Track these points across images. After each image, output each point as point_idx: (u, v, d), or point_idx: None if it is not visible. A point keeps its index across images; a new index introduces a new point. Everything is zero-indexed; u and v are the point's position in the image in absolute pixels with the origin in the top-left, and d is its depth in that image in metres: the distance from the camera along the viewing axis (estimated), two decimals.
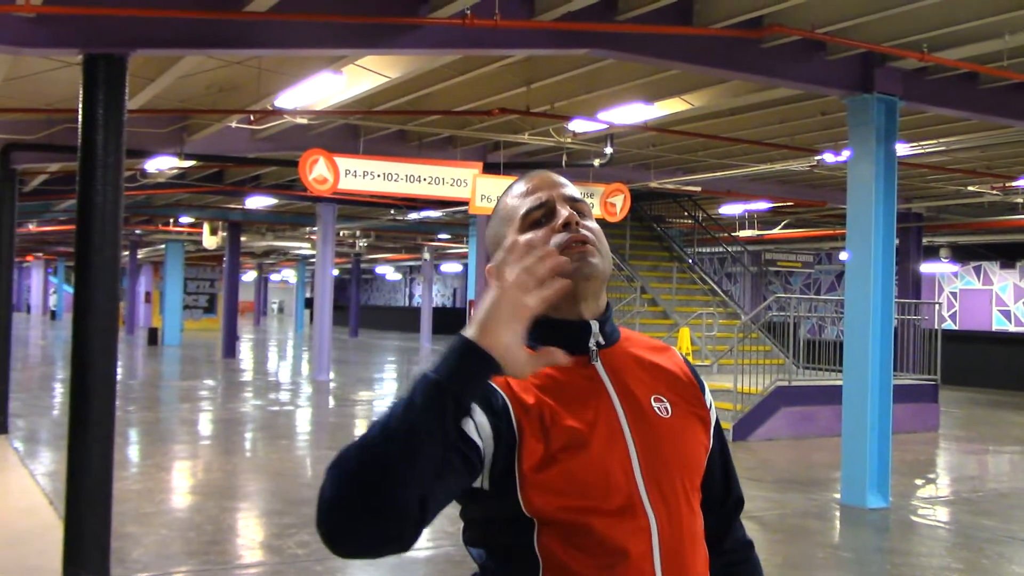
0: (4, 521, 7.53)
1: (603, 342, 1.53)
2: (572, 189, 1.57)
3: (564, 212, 1.50)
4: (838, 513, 8.72)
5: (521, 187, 1.57)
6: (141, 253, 35.91)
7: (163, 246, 32.09)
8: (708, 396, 1.64)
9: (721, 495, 1.66)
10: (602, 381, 1.50)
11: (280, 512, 7.91)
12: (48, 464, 9.76)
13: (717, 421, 1.65)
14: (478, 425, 1.35)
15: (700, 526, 1.55)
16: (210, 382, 19.68)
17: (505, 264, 1.26)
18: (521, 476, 1.39)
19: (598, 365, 1.51)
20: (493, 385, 1.41)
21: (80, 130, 6.14)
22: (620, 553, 1.41)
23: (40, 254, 47.46)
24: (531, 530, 1.41)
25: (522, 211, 1.53)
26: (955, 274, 24.45)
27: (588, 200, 1.70)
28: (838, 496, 9.01)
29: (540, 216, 1.51)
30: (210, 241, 24.86)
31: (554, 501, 1.39)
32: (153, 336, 30.65)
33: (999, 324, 23.77)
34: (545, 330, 1.45)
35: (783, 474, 10.56)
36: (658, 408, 1.52)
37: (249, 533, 7.59)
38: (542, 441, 1.40)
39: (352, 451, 1.23)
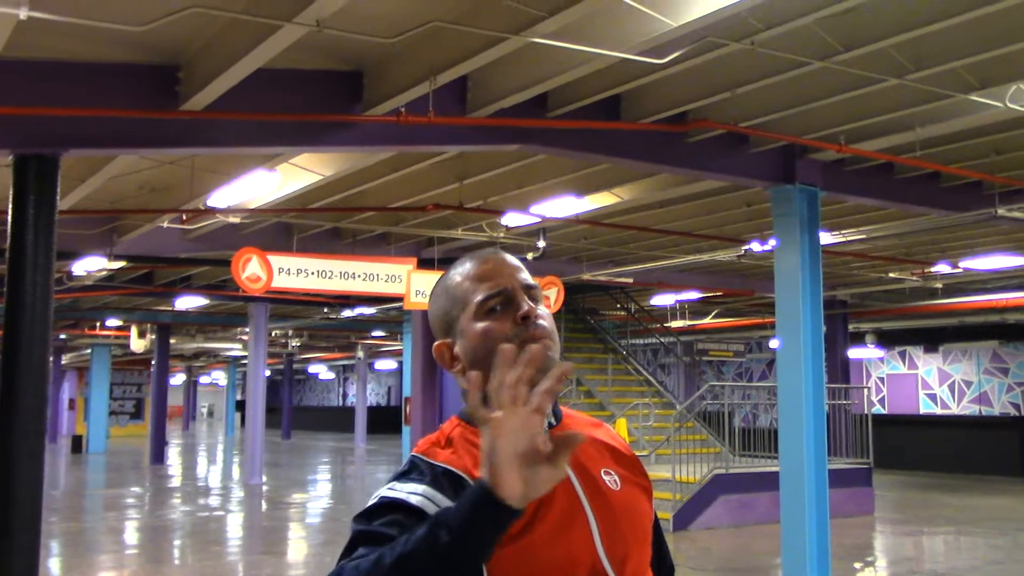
0: None
1: (554, 422, 1.56)
2: (525, 273, 1.56)
3: (524, 306, 1.49)
4: None
5: (474, 268, 1.55)
6: (65, 358, 35.01)
7: (88, 350, 31.32)
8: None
9: (656, 563, 1.67)
10: None
11: None
12: None
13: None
14: None
15: None
16: (137, 489, 19.06)
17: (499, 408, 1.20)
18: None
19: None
20: (457, 471, 1.43)
21: (10, 230, 6.07)
22: None
23: None
24: None
25: (478, 298, 1.51)
26: (882, 359, 25.00)
27: None
28: None
29: (496, 304, 1.51)
30: (138, 344, 24.38)
31: None
32: (77, 444, 29.67)
33: (926, 407, 24.27)
34: None
35: (724, 562, 10.53)
36: (609, 481, 1.54)
37: None
38: None
39: None
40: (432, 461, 1.46)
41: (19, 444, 6.04)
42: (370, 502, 1.42)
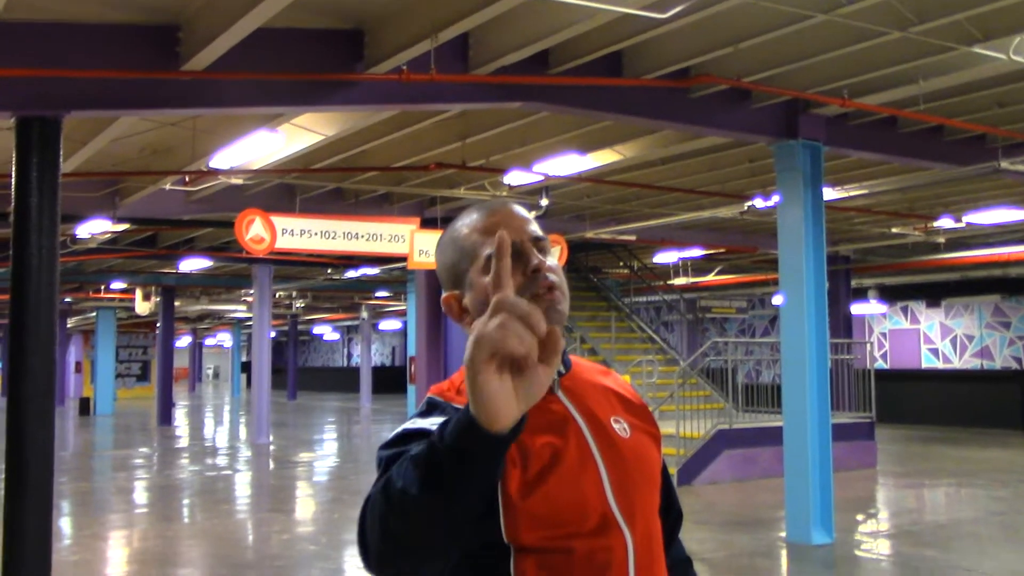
0: None
1: (563, 371, 1.58)
2: (534, 225, 1.56)
3: (534, 259, 1.50)
4: (784, 551, 8.81)
5: (482, 220, 1.55)
6: (71, 322, 35.14)
7: (94, 314, 31.44)
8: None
9: (664, 509, 1.70)
10: (567, 408, 1.54)
11: None
12: None
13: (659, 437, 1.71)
14: None
15: (661, 539, 1.61)
16: (145, 450, 19.24)
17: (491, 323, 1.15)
18: (506, 503, 1.41)
19: (560, 394, 1.55)
20: None
21: (14, 193, 6.08)
22: (597, 569, 1.45)
23: None
24: (507, 556, 1.42)
25: (487, 251, 1.51)
26: (884, 315, 25.06)
27: None
28: (783, 534, 9.10)
29: None
30: (143, 307, 24.44)
31: (536, 528, 1.41)
32: (85, 406, 29.87)
33: (928, 362, 24.36)
34: None
35: (729, 516, 10.64)
36: (618, 429, 1.57)
37: None
38: (520, 468, 1.43)
39: (378, 521, 1.28)
40: (451, 403, 1.49)
41: (29, 406, 6.11)
42: (391, 436, 1.45)
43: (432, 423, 1.42)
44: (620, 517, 1.48)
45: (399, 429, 1.45)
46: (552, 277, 1.50)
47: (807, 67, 7.88)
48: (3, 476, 6.21)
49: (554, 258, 1.56)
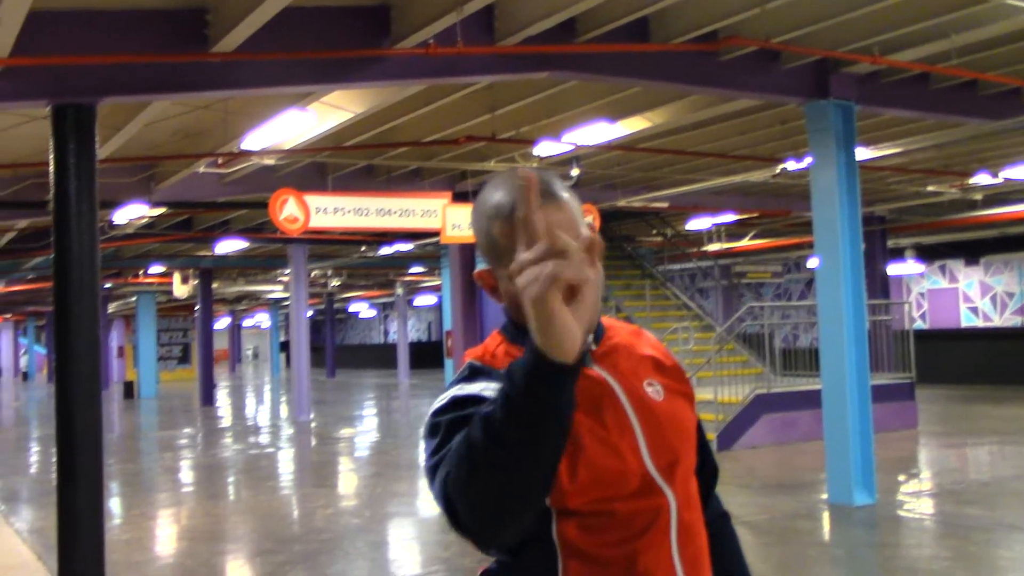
0: None
1: (595, 346, 1.58)
2: (569, 229, 1.45)
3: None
4: (826, 512, 8.81)
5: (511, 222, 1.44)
6: (112, 307, 35.63)
7: (134, 298, 31.88)
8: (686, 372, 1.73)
9: (699, 465, 1.72)
10: (602, 375, 1.55)
11: (272, 551, 7.88)
12: (32, 521, 9.66)
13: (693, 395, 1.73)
14: None
15: (699, 497, 1.64)
16: (189, 430, 19.54)
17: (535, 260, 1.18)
18: None
19: (594, 365, 1.56)
20: None
21: (52, 181, 6.17)
22: (640, 530, 1.49)
23: (9, 315, 46.92)
24: (548, 520, 1.45)
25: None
26: (922, 274, 24.79)
27: None
28: (825, 496, 9.10)
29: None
30: (181, 290, 24.74)
31: (579, 493, 1.44)
32: (129, 389, 30.36)
33: (968, 321, 24.09)
34: None
35: (769, 479, 10.65)
36: (652, 392, 1.59)
37: (243, 573, 7.56)
38: None
39: (465, 484, 1.29)
40: (492, 367, 1.51)
41: (76, 390, 6.24)
42: (441, 402, 1.46)
43: (481, 388, 1.44)
44: (659, 479, 1.51)
45: (448, 395, 1.46)
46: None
47: (836, 25, 7.78)
48: (55, 459, 6.36)
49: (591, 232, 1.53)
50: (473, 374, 1.51)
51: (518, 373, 1.23)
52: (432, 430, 1.42)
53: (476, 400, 1.41)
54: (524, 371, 1.22)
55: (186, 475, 13.35)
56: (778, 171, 13.07)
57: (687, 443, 1.61)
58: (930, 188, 16.01)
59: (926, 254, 23.36)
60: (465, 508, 1.30)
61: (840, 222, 8.83)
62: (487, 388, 1.43)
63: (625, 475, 1.48)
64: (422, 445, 1.49)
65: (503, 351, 1.55)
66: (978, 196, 16.75)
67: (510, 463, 1.25)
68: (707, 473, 1.78)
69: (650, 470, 1.50)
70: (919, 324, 24.39)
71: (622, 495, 1.47)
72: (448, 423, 1.39)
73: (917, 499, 9.69)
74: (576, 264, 1.19)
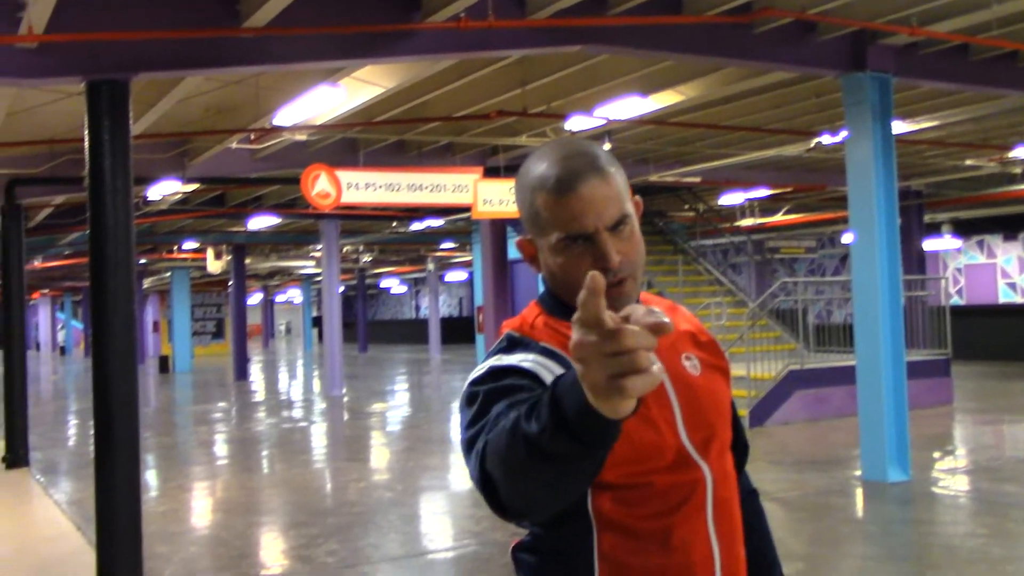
0: (34, 549, 7.60)
1: None
2: (615, 204, 1.45)
3: (607, 258, 1.43)
4: (860, 489, 8.76)
5: (557, 197, 1.44)
6: (147, 282, 36.05)
7: (168, 274, 32.21)
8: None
9: (731, 440, 1.71)
10: None
11: (305, 523, 7.96)
12: (71, 493, 9.82)
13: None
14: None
15: (735, 472, 1.63)
16: (224, 404, 19.75)
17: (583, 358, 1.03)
18: None
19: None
20: (556, 349, 1.45)
21: (87, 157, 6.22)
22: (675, 504, 1.48)
23: (46, 291, 47.59)
24: (584, 493, 1.45)
25: (558, 235, 1.45)
26: (959, 250, 24.47)
27: None
28: (858, 473, 9.04)
29: (580, 240, 1.45)
30: (215, 265, 24.96)
31: (615, 466, 1.41)
32: (164, 364, 30.74)
33: (1006, 296, 23.77)
34: None
35: (802, 455, 10.60)
36: (689, 367, 1.58)
37: (277, 545, 7.64)
38: None
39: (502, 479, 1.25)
40: (531, 338, 1.50)
41: (113, 364, 6.30)
42: (479, 372, 1.44)
43: (520, 359, 1.43)
44: (695, 453, 1.51)
45: (486, 366, 1.45)
46: (623, 275, 1.46)
47: None
48: (93, 432, 6.44)
49: (633, 233, 1.49)
50: (511, 345, 1.50)
51: (573, 408, 1.10)
52: (469, 399, 1.41)
53: (514, 371, 1.40)
54: (578, 412, 1.09)
55: (221, 448, 13.51)
56: (813, 145, 12.93)
57: (723, 418, 1.61)
58: (968, 162, 15.77)
59: (963, 229, 23.05)
60: (508, 489, 1.26)
61: (876, 197, 8.72)
62: (525, 359, 1.43)
63: (661, 449, 1.47)
64: (458, 416, 1.49)
65: (542, 322, 1.55)
66: (1017, 170, 16.47)
67: (549, 478, 1.20)
68: (738, 450, 1.76)
69: (686, 444, 1.50)
70: (955, 300, 24.11)
71: (657, 468, 1.47)
72: (486, 393, 1.38)
73: (952, 476, 9.60)
74: (646, 374, 1.02)
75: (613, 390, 1.01)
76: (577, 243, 1.45)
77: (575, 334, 1.02)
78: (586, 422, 1.09)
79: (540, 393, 1.21)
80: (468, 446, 1.36)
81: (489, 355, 1.50)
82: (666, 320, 1.04)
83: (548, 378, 1.38)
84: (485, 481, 1.28)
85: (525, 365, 1.41)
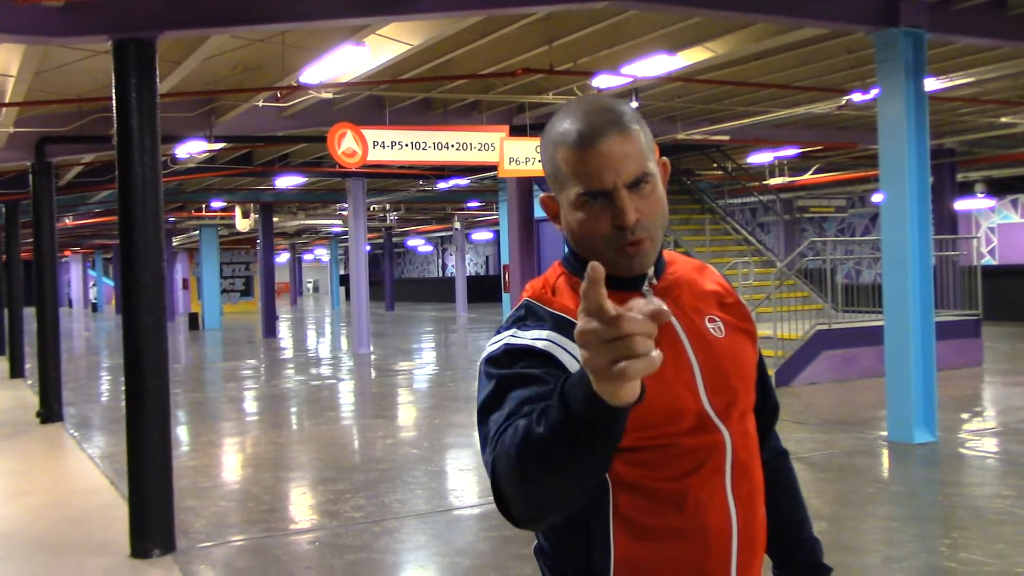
0: (69, 502, 7.75)
1: (656, 282, 1.54)
2: (636, 159, 1.44)
3: (625, 215, 1.42)
4: (886, 450, 8.74)
5: (578, 153, 1.44)
6: (176, 240, 36.32)
7: (197, 232, 32.44)
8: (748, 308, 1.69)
9: (760, 402, 1.70)
10: None
11: (333, 479, 8.06)
12: (104, 447, 9.99)
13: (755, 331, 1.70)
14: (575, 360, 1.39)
15: (756, 435, 1.62)
16: (253, 361, 19.95)
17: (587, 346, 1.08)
18: None
19: (652, 298, 1.54)
20: (573, 319, 1.43)
21: (115, 115, 6.24)
22: (693, 467, 1.48)
23: (77, 248, 48.09)
24: None
25: (577, 190, 1.45)
26: (992, 209, 24.15)
27: None
28: (885, 434, 9.02)
29: (599, 197, 1.44)
30: (243, 224, 25.10)
31: (631, 430, 1.38)
32: (194, 321, 31.06)
33: None
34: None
35: (828, 415, 10.58)
36: (713, 329, 1.57)
37: (305, 500, 7.75)
38: None
39: (514, 483, 1.26)
40: (548, 308, 1.49)
41: (143, 319, 6.37)
42: (495, 347, 1.45)
43: (533, 337, 1.43)
44: (715, 417, 1.50)
45: (501, 342, 1.45)
46: (641, 233, 1.44)
47: None
48: (124, 387, 6.54)
49: (656, 190, 1.47)
50: (527, 315, 1.50)
51: (579, 400, 1.15)
52: (485, 378, 1.42)
53: (528, 352, 1.41)
54: (584, 403, 1.14)
55: (250, 405, 13.67)
56: (843, 103, 12.76)
57: (746, 382, 1.60)
58: (1004, 119, 15.51)
59: (997, 188, 22.72)
60: (517, 497, 1.29)
61: (907, 155, 8.60)
62: (538, 338, 1.42)
63: (680, 412, 1.47)
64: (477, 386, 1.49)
65: (563, 282, 1.54)
66: None
67: (556, 479, 1.22)
68: (768, 411, 1.76)
69: (706, 408, 1.49)
70: (988, 260, 23.82)
71: (677, 432, 1.46)
72: (500, 379, 1.39)
73: (980, 437, 9.55)
74: (645, 358, 1.06)
75: (614, 374, 1.06)
76: (596, 199, 1.44)
77: (579, 322, 1.07)
78: (592, 412, 1.14)
79: (549, 390, 1.28)
80: (482, 427, 1.39)
81: (507, 322, 1.50)
82: (664, 308, 1.09)
83: (561, 356, 1.40)
84: (498, 495, 1.31)
85: (539, 346, 1.41)
